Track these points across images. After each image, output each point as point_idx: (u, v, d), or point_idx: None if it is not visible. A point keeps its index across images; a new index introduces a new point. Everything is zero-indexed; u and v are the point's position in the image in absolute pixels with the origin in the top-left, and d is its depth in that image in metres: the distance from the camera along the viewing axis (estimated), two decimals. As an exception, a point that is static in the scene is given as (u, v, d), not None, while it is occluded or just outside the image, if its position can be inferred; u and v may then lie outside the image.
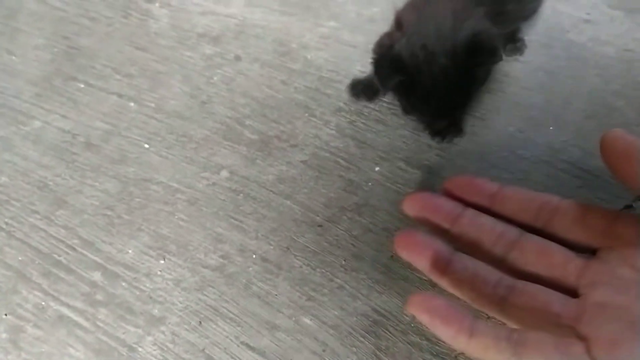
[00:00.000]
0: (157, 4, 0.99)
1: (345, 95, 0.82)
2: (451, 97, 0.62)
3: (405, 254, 0.40)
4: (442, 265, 0.38)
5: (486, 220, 0.40)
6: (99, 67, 0.91)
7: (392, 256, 0.65)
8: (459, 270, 0.37)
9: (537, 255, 0.37)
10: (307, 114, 0.81)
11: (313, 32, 0.90)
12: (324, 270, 0.66)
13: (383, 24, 0.91)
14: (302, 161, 0.75)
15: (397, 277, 0.64)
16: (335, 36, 0.89)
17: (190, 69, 0.89)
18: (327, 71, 0.85)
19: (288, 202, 0.71)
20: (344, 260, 0.66)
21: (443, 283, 0.38)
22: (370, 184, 0.72)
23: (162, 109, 0.84)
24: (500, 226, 0.40)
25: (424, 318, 0.34)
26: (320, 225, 0.69)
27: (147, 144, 0.80)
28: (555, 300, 0.34)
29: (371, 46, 0.87)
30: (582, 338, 0.31)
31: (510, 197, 0.41)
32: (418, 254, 0.39)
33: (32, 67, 0.93)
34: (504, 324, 0.35)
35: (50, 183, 0.78)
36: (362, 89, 0.80)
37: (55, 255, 0.72)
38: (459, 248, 0.41)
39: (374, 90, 0.79)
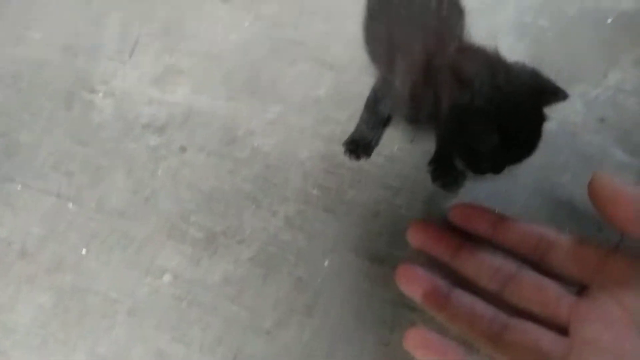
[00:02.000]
0: (100, 94, 0.97)
1: (292, 185, 0.80)
2: (531, 142, 0.57)
3: (405, 287, 0.40)
4: (440, 300, 0.39)
5: (484, 254, 0.41)
6: (38, 164, 0.88)
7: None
8: (457, 306, 0.38)
9: (532, 291, 0.38)
10: (254, 206, 0.79)
11: (260, 117, 0.89)
12: (273, 382, 0.62)
13: (331, 104, 0.91)
14: (249, 258, 0.72)
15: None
16: (282, 120, 0.88)
17: (134, 162, 0.86)
18: (274, 159, 0.84)
19: (234, 307, 0.68)
20: (294, 370, 0.63)
21: (441, 317, 0.39)
22: (319, 280, 0.69)
23: (102, 208, 0.80)
24: (498, 260, 0.41)
25: (418, 353, 0.36)
26: (268, 332, 0.65)
27: (86, 248, 0.76)
28: (546, 339, 0.36)
29: (319, 129, 0.86)
30: None
31: (510, 228, 0.42)
32: (417, 288, 0.39)
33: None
34: None
35: (-18, 298, 0.73)
36: (359, 146, 0.78)
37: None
38: (458, 280, 0.42)
39: (371, 144, 0.79)
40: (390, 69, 0.72)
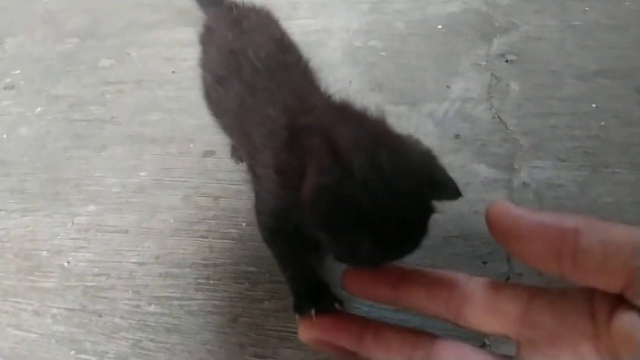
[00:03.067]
0: None
1: (123, 307, 0.62)
2: (418, 239, 0.43)
3: None
4: None
5: (392, 334, 0.36)
6: None
7: None
8: None
9: None
10: (73, 352, 0.59)
11: (67, 227, 0.70)
12: None
13: (156, 190, 0.75)
14: None
15: None
16: (96, 225, 0.70)
17: None
18: (93, 277, 0.65)
19: None
20: None
21: None
22: None
23: None
24: (409, 337, 0.36)
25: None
26: None
27: None
28: None
29: (146, 224, 0.69)
30: None
31: (414, 286, 0.37)
32: None
33: None
34: None
35: None
36: (311, 299, 0.49)
37: None
38: None
39: (325, 293, 0.52)
40: (247, 140, 0.56)
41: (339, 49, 0.91)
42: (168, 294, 0.63)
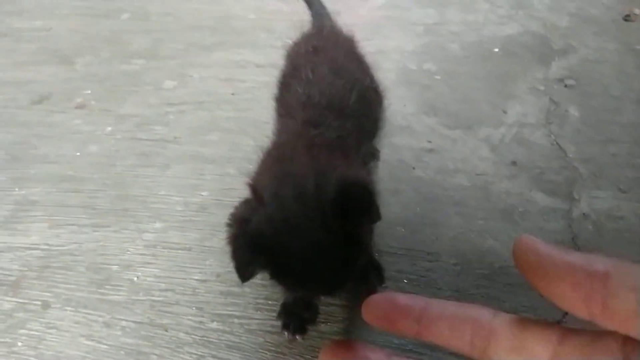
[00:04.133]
0: None
1: (187, 322, 0.65)
2: (332, 271, 0.49)
3: None
4: None
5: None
6: None
7: None
8: None
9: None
10: (141, 364, 0.63)
11: (136, 242, 0.74)
12: None
13: (216, 209, 0.78)
14: None
15: None
16: (162, 241, 0.74)
17: (-17, 339, 0.68)
18: (160, 292, 0.69)
19: None
20: None
21: None
22: None
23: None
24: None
25: None
26: None
27: None
28: None
29: (208, 243, 0.73)
30: None
31: (437, 319, 0.36)
32: None
33: None
34: None
35: None
36: (296, 328, 0.62)
37: None
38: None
39: (308, 317, 0.63)
40: None
41: (393, 70, 0.93)
42: (229, 312, 0.66)
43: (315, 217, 0.47)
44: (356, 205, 0.47)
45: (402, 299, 0.37)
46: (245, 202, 0.53)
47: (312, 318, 0.63)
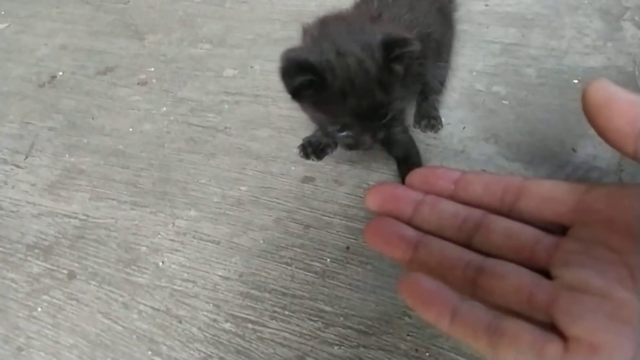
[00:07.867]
0: (-16, 208, 0.82)
1: (202, 318, 0.64)
2: (371, 94, 0.59)
3: (373, 244, 0.37)
4: (410, 247, 0.37)
5: (447, 205, 0.39)
6: None
7: None
8: (426, 252, 0.37)
9: (502, 236, 0.36)
10: (150, 352, 0.62)
11: (167, 227, 0.74)
12: None
13: (252, 207, 0.76)
14: None
15: None
16: (193, 231, 0.73)
17: (11, 297, 0.70)
18: (182, 282, 0.68)
19: None
20: None
21: (411, 267, 0.36)
22: None
23: (-40, 367, 0.64)
24: (462, 210, 0.38)
25: (408, 302, 0.34)
26: None
27: None
28: (527, 279, 0.33)
29: (237, 240, 0.71)
30: (560, 333, 0.29)
31: (473, 182, 0.40)
32: (385, 242, 0.37)
33: None
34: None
35: None
36: (312, 151, 0.77)
37: None
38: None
39: (323, 148, 0.77)
40: None
41: (457, 89, 0.87)
42: (244, 315, 0.64)
43: (361, 45, 0.57)
44: (396, 39, 0.57)
45: (442, 168, 0.41)
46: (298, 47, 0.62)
47: (331, 143, 0.76)
